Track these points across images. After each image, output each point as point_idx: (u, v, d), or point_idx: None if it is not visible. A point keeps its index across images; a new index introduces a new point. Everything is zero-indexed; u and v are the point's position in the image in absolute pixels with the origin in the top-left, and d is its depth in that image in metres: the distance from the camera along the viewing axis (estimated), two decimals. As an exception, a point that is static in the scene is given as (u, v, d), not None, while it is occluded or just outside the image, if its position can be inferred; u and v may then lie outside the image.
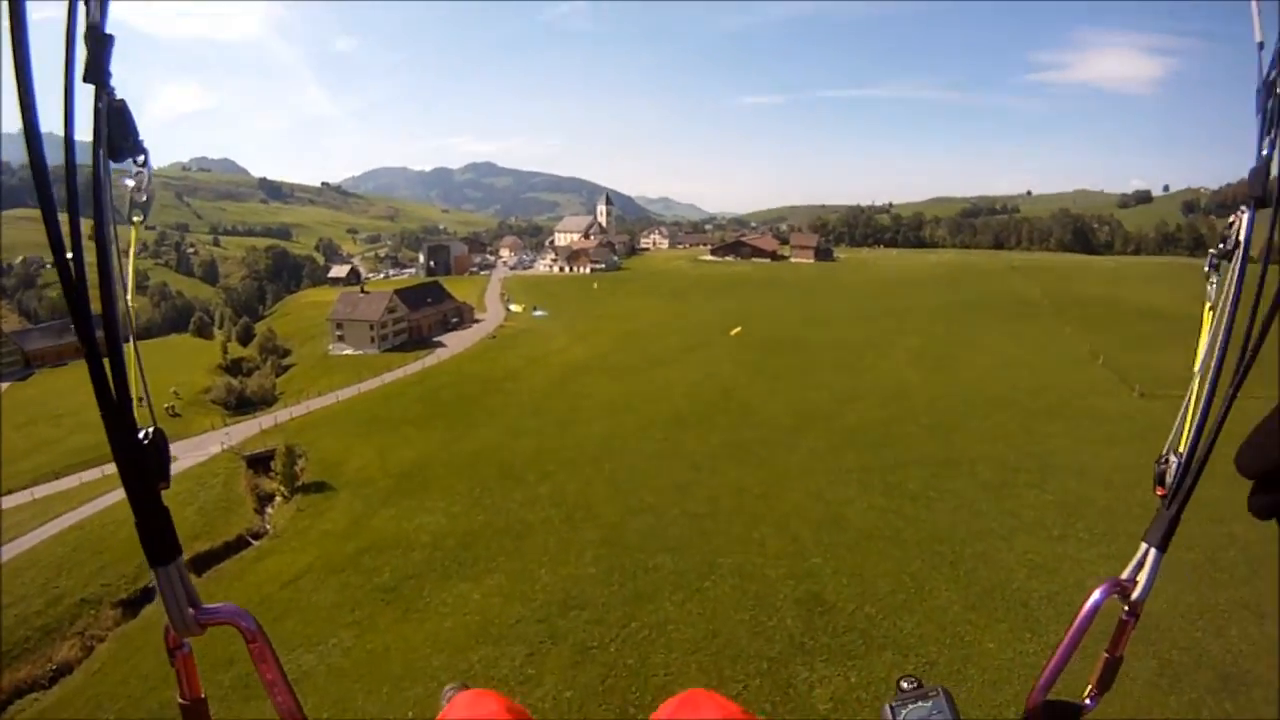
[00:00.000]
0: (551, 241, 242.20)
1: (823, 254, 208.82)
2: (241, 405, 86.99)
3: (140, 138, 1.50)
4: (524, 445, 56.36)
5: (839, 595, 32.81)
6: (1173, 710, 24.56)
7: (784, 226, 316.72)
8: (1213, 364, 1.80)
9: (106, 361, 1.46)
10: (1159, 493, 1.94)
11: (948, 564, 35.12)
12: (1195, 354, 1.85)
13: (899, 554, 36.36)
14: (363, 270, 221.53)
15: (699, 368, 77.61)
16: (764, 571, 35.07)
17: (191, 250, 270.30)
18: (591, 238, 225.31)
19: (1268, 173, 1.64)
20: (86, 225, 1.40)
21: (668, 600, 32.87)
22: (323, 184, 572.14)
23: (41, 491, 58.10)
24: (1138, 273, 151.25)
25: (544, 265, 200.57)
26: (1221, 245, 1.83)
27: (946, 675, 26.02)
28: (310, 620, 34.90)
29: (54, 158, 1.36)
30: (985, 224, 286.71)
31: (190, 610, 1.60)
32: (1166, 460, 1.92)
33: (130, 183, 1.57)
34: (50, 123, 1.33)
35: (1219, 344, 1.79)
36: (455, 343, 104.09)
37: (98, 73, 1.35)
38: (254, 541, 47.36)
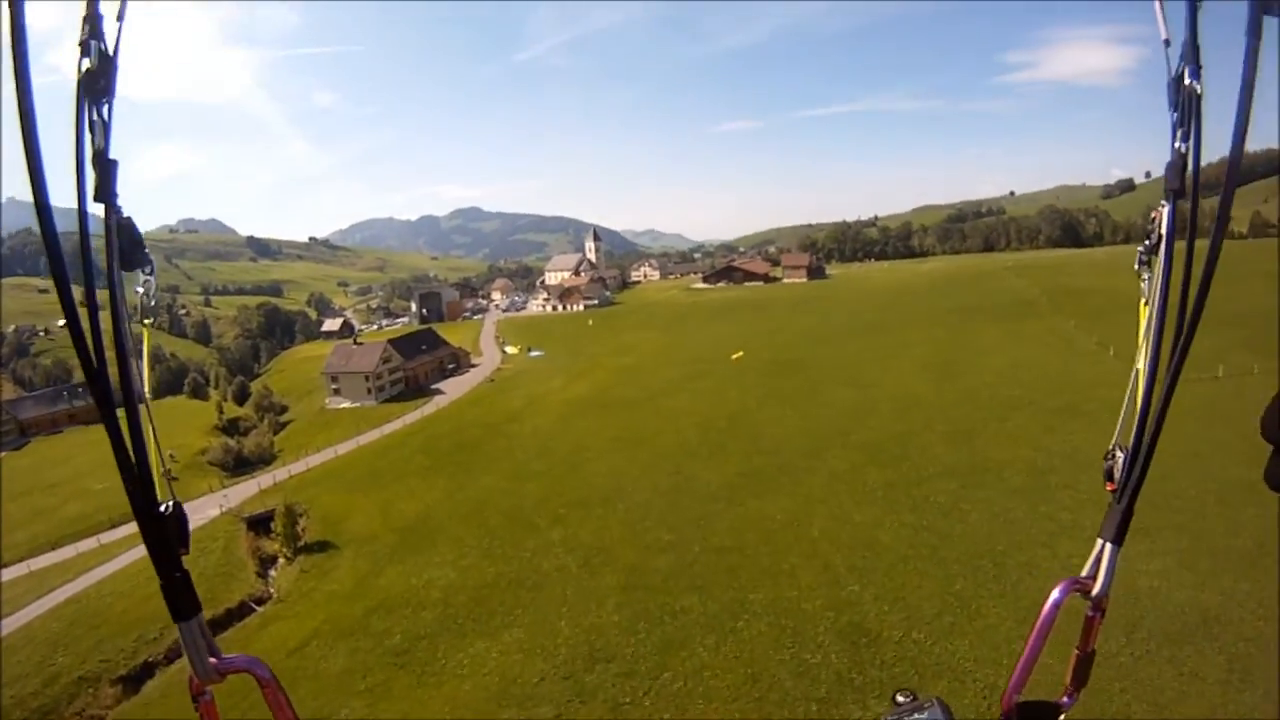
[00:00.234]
0: (542, 281, 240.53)
1: (815, 272, 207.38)
2: (240, 465, 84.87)
3: (146, 249, 1.69)
4: (531, 489, 54.51)
5: (883, 623, 31.09)
6: (1248, 707, 23.47)
7: (772, 249, 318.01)
8: (1147, 357, 1.93)
9: (130, 445, 1.62)
10: (1109, 487, 2.04)
11: (992, 579, 33.51)
12: (1137, 350, 1.99)
13: (939, 573, 34.70)
14: (355, 322, 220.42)
15: (704, 396, 75.88)
16: (799, 605, 33.24)
17: (183, 311, 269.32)
18: (582, 274, 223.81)
19: (1184, 166, 1.76)
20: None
21: (700, 645, 30.97)
22: (310, 239, 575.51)
23: (39, 563, 56.26)
24: (1130, 261, 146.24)
25: (536, 305, 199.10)
26: (1147, 241, 1.99)
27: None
28: (320, 690, 32.94)
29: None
30: (973, 228, 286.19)
31: (211, 660, 1.79)
32: (1113, 455, 2.06)
33: (140, 290, 1.78)
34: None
35: (1152, 337, 1.92)
36: (453, 389, 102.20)
37: (107, 193, 1.54)
38: (257, 607, 45.34)
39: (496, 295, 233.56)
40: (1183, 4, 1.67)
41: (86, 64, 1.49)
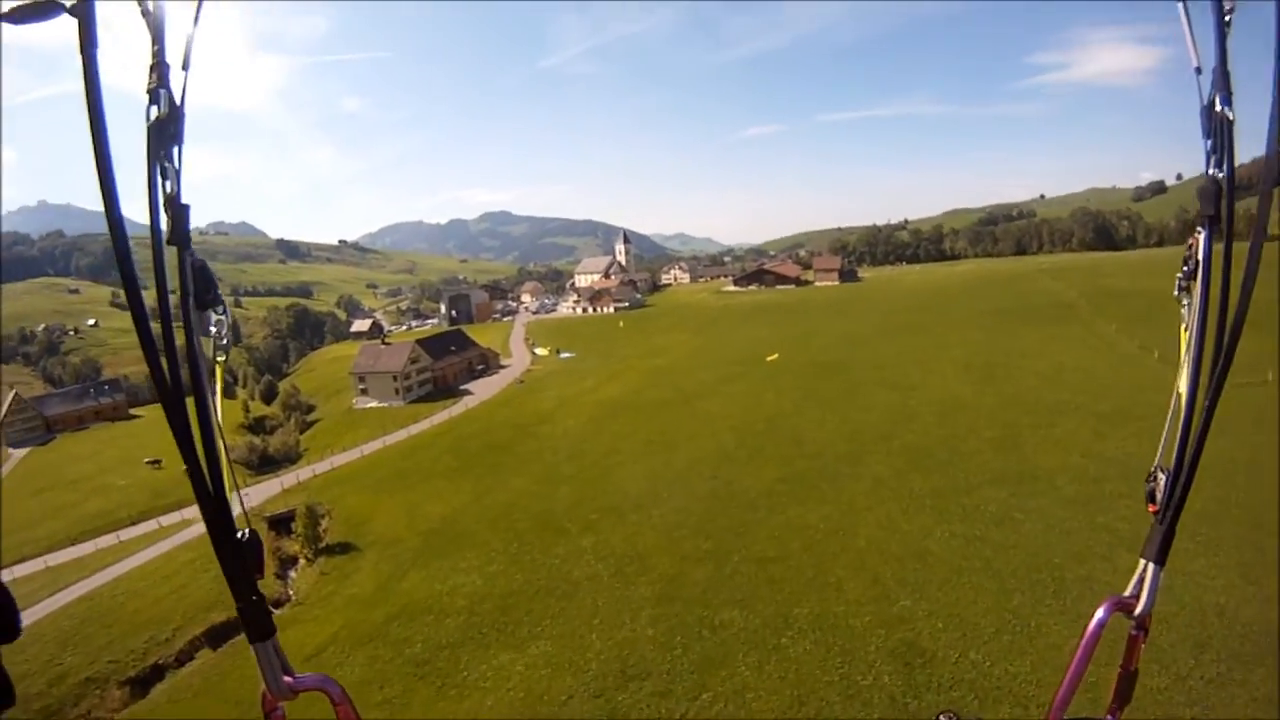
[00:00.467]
0: (572, 284, 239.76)
1: (847, 275, 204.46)
2: (264, 464, 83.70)
3: (219, 290, 1.81)
4: (562, 493, 52.49)
5: (937, 642, 28.64)
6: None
7: (802, 252, 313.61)
8: (1188, 380, 1.97)
9: (209, 480, 1.70)
10: (1151, 509, 2.07)
11: (1051, 594, 31.08)
12: (1178, 372, 2.01)
13: (995, 587, 32.26)
14: (385, 323, 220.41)
15: (739, 399, 73.51)
16: (847, 621, 30.82)
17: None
18: (612, 277, 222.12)
19: (1219, 192, 1.80)
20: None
21: (741, 663, 28.61)
22: (340, 242, 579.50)
23: (57, 559, 55.56)
24: (1167, 263, 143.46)
25: (566, 308, 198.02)
26: (1185, 268, 2.01)
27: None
28: None
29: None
30: (1005, 231, 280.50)
31: (285, 678, 1.89)
32: (1155, 477, 2.06)
33: (213, 329, 1.86)
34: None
35: (1192, 360, 1.96)
36: (482, 390, 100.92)
37: (180, 236, 1.63)
38: (274, 610, 43.25)
39: (526, 297, 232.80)
40: (1212, 32, 1.71)
41: (155, 112, 1.55)
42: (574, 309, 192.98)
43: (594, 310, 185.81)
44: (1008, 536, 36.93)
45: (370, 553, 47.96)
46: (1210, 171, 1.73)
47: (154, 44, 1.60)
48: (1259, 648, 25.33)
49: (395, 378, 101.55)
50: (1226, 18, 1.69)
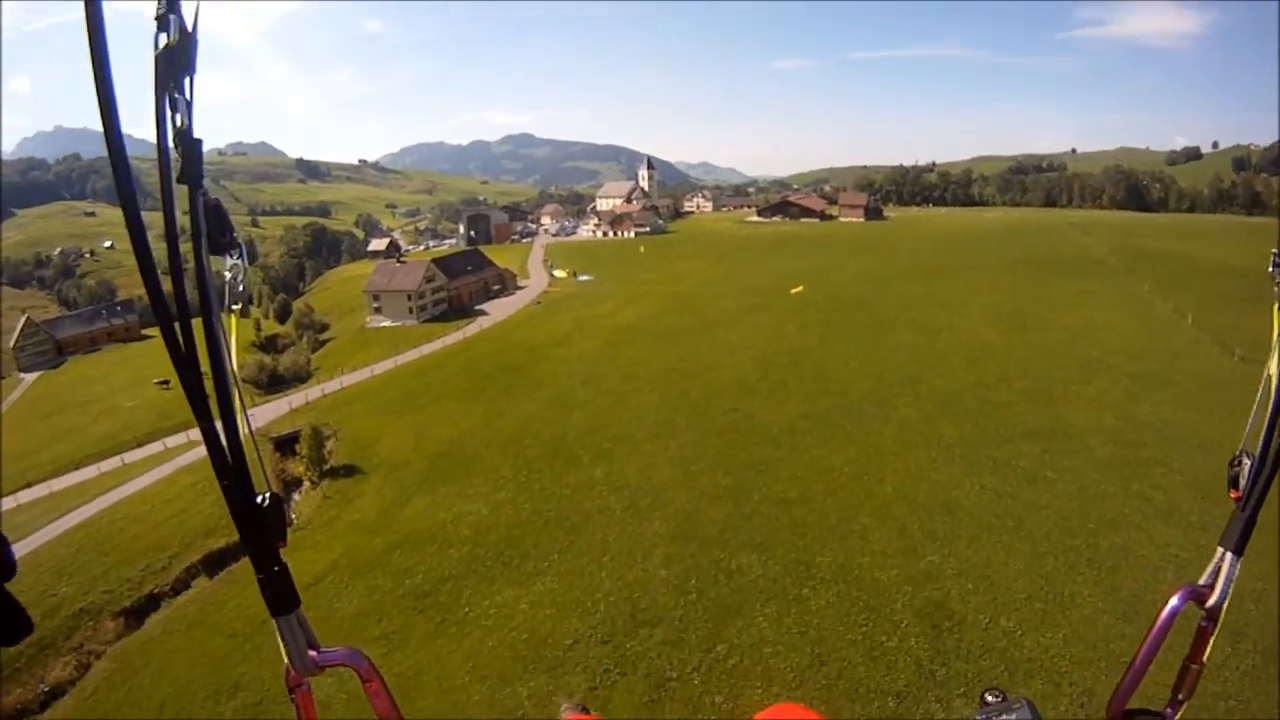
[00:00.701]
0: (593, 207, 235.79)
1: (872, 213, 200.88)
2: (274, 383, 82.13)
3: (236, 234, 1.62)
4: (575, 420, 50.49)
5: (967, 605, 26.60)
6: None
7: (827, 188, 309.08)
8: (1279, 364, 1.84)
9: (224, 436, 1.57)
10: (1233, 495, 1.92)
11: (1085, 562, 28.97)
12: (1270, 355, 1.87)
13: (1027, 549, 30.15)
14: (402, 243, 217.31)
15: (761, 330, 70.97)
16: (873, 574, 28.77)
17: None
18: (635, 202, 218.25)
19: None
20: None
21: (759, 614, 26.68)
22: (360, 161, 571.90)
23: (60, 484, 54.47)
24: (1199, 229, 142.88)
25: (587, 231, 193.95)
26: None
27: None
28: (331, 632, 29.09)
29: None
30: (1035, 181, 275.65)
31: (310, 653, 1.71)
32: (1240, 461, 1.92)
33: (229, 274, 1.68)
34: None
35: None
36: (497, 310, 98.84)
37: (192, 174, 1.45)
38: (276, 535, 42.01)
39: (546, 220, 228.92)
40: None
41: (164, 39, 1.38)
42: (594, 232, 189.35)
43: (614, 234, 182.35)
44: (1040, 496, 34.84)
45: (375, 476, 46.36)
46: None
47: None
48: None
49: (410, 297, 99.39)
50: None
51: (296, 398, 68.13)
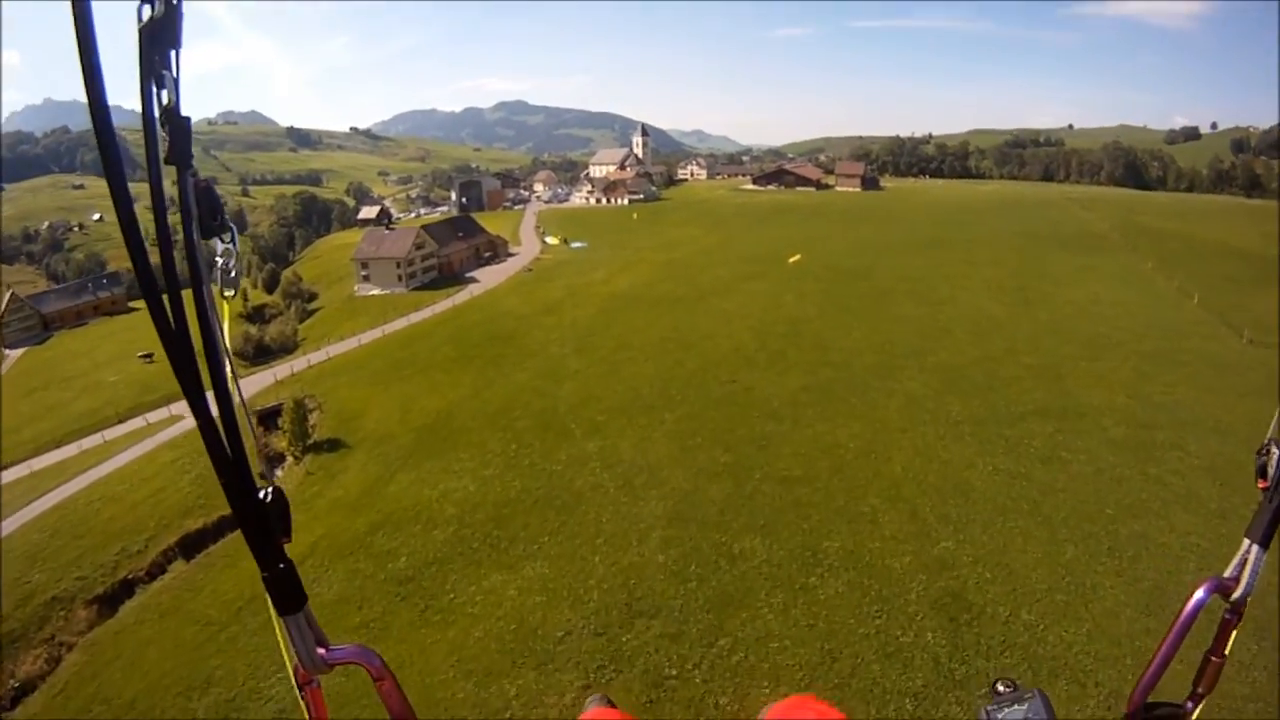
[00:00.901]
0: (587, 174, 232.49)
1: (869, 183, 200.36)
2: (260, 354, 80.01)
3: (227, 216, 1.58)
4: (567, 390, 48.61)
5: (984, 596, 24.90)
6: None
7: (822, 157, 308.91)
8: None
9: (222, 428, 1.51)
10: (1261, 485, 1.89)
11: (1105, 550, 27.35)
12: None
13: (1045, 535, 28.51)
14: (394, 210, 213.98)
15: (758, 299, 69.03)
16: (884, 561, 26.99)
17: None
18: (628, 169, 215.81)
19: None
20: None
21: (764, 604, 24.87)
22: (351, 129, 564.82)
23: (41, 463, 52.91)
24: (1200, 209, 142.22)
25: (580, 198, 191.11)
26: None
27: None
28: None
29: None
30: (1033, 155, 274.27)
31: (319, 651, 1.67)
32: (1268, 451, 1.90)
33: (220, 260, 1.63)
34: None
35: None
36: (489, 277, 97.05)
37: (180, 154, 1.40)
38: (256, 514, 40.23)
39: (539, 187, 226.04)
40: None
41: (148, 12, 1.32)
42: (587, 199, 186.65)
43: (608, 201, 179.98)
44: (1055, 478, 33.17)
45: (359, 451, 44.62)
46: None
47: None
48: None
49: (399, 264, 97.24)
50: None
51: (282, 369, 66.19)
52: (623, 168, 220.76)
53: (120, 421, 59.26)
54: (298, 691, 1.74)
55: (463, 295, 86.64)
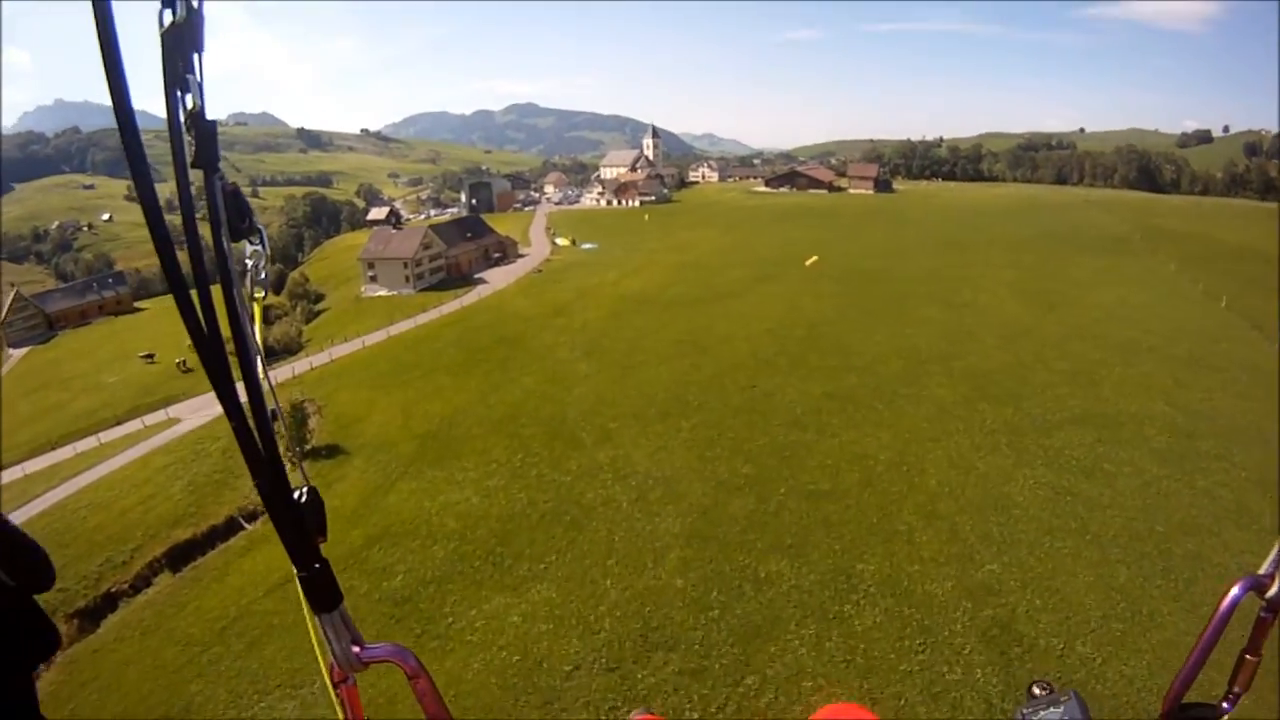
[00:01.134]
0: (598, 176, 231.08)
1: (882, 185, 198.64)
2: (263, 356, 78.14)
3: (255, 218, 1.58)
4: (577, 395, 46.42)
5: (1036, 626, 22.67)
6: None
7: (833, 160, 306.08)
8: None
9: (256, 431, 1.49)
10: None
11: (1160, 572, 25.21)
12: None
13: (1095, 556, 26.31)
14: (404, 212, 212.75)
15: (775, 301, 66.71)
16: (925, 586, 24.66)
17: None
18: (639, 170, 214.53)
19: None
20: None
21: (795, 635, 22.54)
22: (362, 131, 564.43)
23: (35, 465, 51.38)
24: (1217, 211, 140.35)
25: (591, 200, 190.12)
26: None
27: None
28: (295, 647, 25.67)
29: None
30: (1045, 158, 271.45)
31: (354, 649, 1.67)
32: None
33: (250, 262, 1.66)
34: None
35: None
36: (498, 278, 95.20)
37: (208, 157, 1.39)
38: (247, 524, 38.51)
39: (549, 188, 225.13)
40: None
41: (170, 17, 1.30)
42: (598, 201, 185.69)
43: (619, 203, 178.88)
44: (1101, 492, 30.94)
45: (358, 458, 42.43)
46: None
47: None
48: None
49: (406, 264, 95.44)
50: None
51: (284, 371, 64.15)
52: (634, 169, 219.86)
53: (118, 424, 57.81)
54: (331, 691, 1.69)
55: (471, 296, 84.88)
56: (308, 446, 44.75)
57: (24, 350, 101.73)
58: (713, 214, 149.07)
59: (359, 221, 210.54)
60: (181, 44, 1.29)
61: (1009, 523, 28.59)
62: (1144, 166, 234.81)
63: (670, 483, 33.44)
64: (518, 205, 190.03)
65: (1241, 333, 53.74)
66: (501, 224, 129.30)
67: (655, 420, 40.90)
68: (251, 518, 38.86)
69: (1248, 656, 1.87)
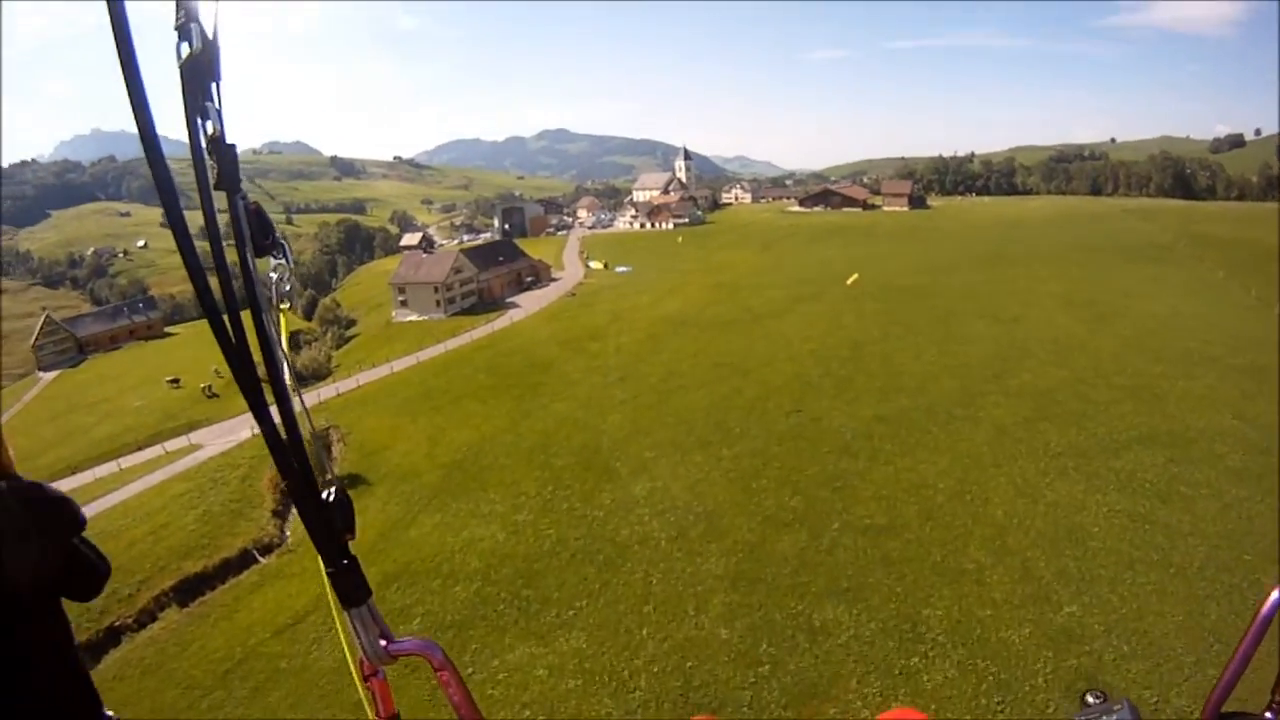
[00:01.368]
0: (630, 199, 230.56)
1: (916, 202, 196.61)
2: (291, 382, 77.24)
3: (278, 234, 1.64)
4: (611, 423, 44.20)
5: (1126, 676, 19.88)
6: None
7: (866, 179, 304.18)
8: None
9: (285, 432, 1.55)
10: None
11: (1252, 608, 21.24)
12: None
13: (1181, 591, 23.34)
14: (437, 237, 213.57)
15: (817, 321, 64.16)
16: (999, 633, 21.82)
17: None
18: (672, 193, 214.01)
19: None
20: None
21: (856, 695, 19.86)
22: (395, 158, 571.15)
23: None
24: (1257, 216, 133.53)
25: (623, 223, 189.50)
26: None
27: None
28: (302, 694, 23.98)
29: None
30: (1079, 169, 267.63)
31: (382, 643, 1.75)
32: None
33: (275, 275, 1.70)
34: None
35: None
36: (530, 303, 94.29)
37: (230, 180, 1.46)
38: (261, 558, 36.67)
39: (582, 213, 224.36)
40: None
41: (187, 50, 1.39)
42: (631, 224, 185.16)
43: (652, 226, 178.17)
44: (1180, 519, 27.93)
45: (381, 488, 40.65)
46: None
47: None
48: None
49: (436, 289, 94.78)
50: None
51: (311, 397, 62.73)
52: (666, 192, 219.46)
53: (139, 449, 57.17)
54: (360, 685, 1.76)
55: (502, 321, 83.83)
56: (329, 476, 42.87)
57: (54, 374, 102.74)
58: (747, 234, 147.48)
59: (392, 247, 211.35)
60: (199, 74, 1.35)
61: (1086, 556, 25.72)
62: (1178, 174, 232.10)
63: (712, 518, 30.90)
64: (550, 230, 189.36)
65: (1304, 342, 50.27)
66: (534, 248, 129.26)
67: (695, 449, 38.49)
68: (266, 550, 37.15)
69: None
